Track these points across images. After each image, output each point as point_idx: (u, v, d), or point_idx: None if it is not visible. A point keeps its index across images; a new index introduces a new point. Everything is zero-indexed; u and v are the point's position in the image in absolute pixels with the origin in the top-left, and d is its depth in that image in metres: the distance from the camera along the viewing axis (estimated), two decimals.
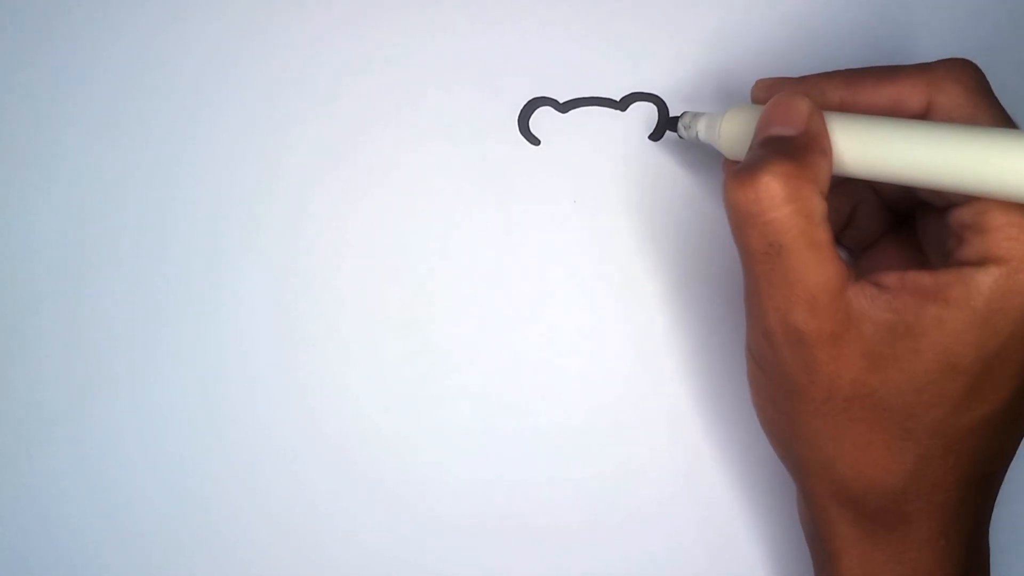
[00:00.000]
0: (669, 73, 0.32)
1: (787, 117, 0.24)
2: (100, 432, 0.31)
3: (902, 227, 0.28)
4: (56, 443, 0.31)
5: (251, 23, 0.32)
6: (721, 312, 0.31)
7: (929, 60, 0.24)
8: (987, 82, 0.24)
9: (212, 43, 0.32)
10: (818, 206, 0.22)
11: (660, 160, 0.31)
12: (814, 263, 0.22)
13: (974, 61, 0.24)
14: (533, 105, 0.32)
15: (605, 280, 0.31)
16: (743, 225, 0.23)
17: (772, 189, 0.22)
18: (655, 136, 0.31)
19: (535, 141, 0.32)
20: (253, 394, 0.31)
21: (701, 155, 0.31)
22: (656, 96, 0.32)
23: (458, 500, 0.31)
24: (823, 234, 0.22)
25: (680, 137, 0.30)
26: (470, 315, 0.31)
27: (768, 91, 0.27)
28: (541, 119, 0.32)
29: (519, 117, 0.32)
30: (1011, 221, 0.21)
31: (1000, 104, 0.23)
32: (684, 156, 0.31)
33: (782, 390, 0.24)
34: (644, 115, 0.32)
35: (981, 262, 0.21)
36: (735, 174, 0.23)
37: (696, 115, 0.29)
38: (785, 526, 0.31)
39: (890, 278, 0.23)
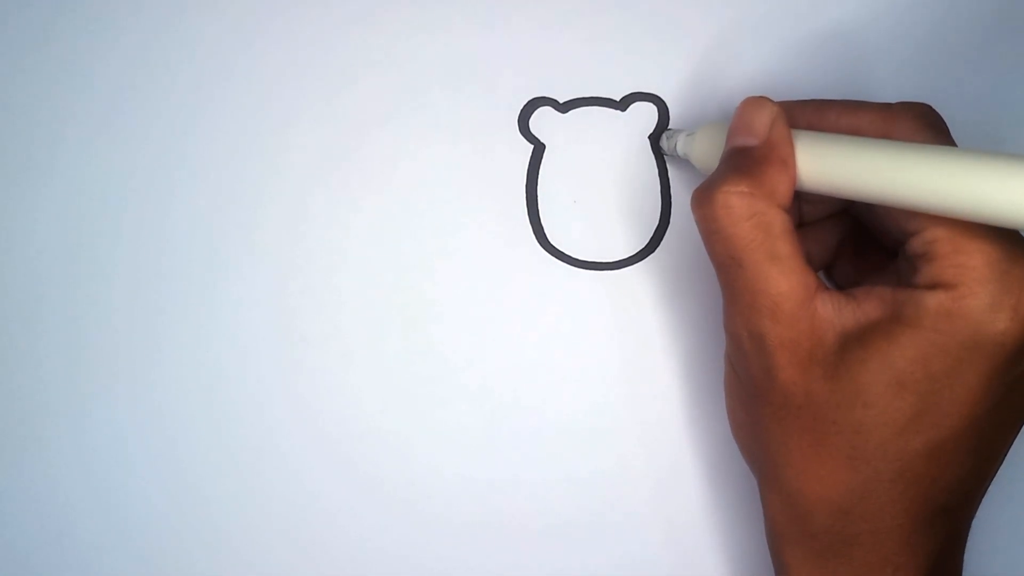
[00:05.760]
0: (669, 73, 0.32)
1: (750, 125, 0.25)
2: (101, 432, 0.31)
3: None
4: (57, 443, 0.31)
5: (251, 23, 0.32)
6: (716, 315, 0.31)
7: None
8: (942, 122, 0.25)
9: (212, 43, 0.32)
10: (776, 219, 0.23)
11: (660, 160, 0.31)
12: (775, 274, 0.23)
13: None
14: (533, 105, 0.32)
15: (603, 281, 0.31)
16: (707, 240, 0.25)
17: (728, 206, 0.24)
18: (655, 136, 0.31)
19: (535, 141, 0.32)
20: (253, 394, 0.31)
21: None
22: (656, 96, 0.32)
23: (457, 500, 0.31)
24: (784, 246, 0.23)
25: (664, 153, 0.31)
26: (470, 315, 0.31)
27: None
28: (541, 119, 0.32)
29: (519, 117, 0.32)
30: (957, 249, 0.22)
31: (954, 141, 0.24)
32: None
33: (747, 393, 0.25)
34: (644, 115, 0.32)
35: (931, 286, 0.22)
36: (697, 191, 0.24)
37: (676, 132, 0.30)
38: None
39: (861, 289, 0.24)
